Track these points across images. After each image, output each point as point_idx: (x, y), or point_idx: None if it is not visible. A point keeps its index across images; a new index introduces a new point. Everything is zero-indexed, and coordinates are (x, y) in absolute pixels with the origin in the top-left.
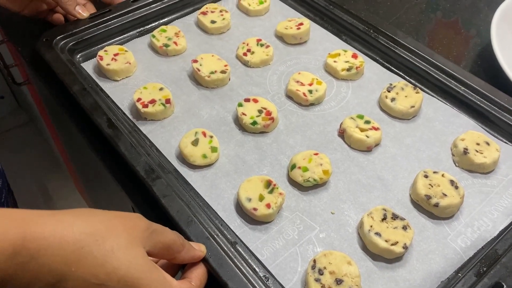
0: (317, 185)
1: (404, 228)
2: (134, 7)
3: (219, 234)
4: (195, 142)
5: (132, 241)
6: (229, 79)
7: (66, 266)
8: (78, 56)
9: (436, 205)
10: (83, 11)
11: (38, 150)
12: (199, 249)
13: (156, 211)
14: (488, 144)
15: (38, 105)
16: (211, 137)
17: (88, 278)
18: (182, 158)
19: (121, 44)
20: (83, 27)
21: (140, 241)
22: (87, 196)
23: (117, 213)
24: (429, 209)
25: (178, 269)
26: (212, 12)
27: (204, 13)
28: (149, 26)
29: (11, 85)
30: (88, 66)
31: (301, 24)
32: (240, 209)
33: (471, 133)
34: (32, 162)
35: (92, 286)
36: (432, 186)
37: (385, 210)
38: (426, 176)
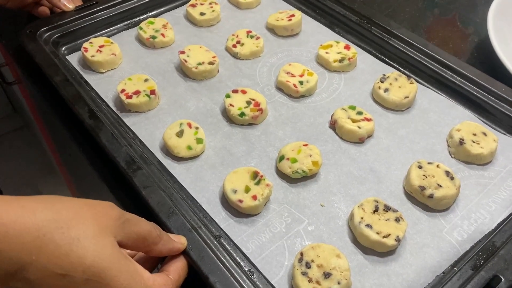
0: (306, 177)
1: (397, 220)
2: None
3: (202, 227)
4: (179, 134)
5: (101, 230)
6: (218, 71)
7: (26, 254)
8: (63, 49)
9: (431, 196)
10: (69, 3)
11: (33, 154)
12: (178, 241)
13: (138, 205)
14: (485, 134)
15: (31, 108)
16: (197, 128)
17: (51, 267)
18: (167, 150)
19: (108, 36)
20: (69, 19)
21: (111, 230)
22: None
23: (87, 201)
24: (424, 201)
25: (157, 263)
26: (201, 4)
27: (193, 6)
28: (137, 19)
29: (6, 88)
30: (73, 59)
31: (293, 15)
32: (226, 202)
33: (467, 124)
34: (27, 166)
35: (55, 276)
36: (426, 177)
37: (377, 202)
38: (420, 167)
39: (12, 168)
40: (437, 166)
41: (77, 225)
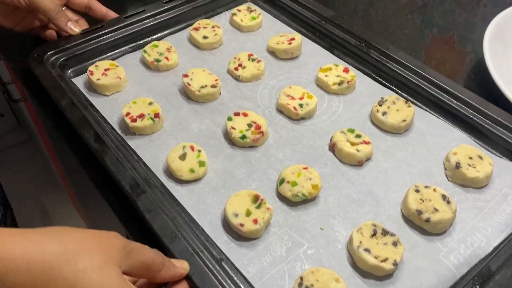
0: (306, 200)
1: (395, 244)
2: (127, 23)
3: (204, 251)
4: (182, 156)
5: (107, 261)
6: (220, 94)
7: None
8: (69, 72)
9: (428, 220)
10: (75, 27)
11: (37, 168)
12: (181, 266)
13: (142, 227)
14: (481, 158)
15: (36, 122)
16: (199, 151)
17: None
18: (170, 172)
19: (113, 59)
20: (75, 43)
21: (116, 261)
22: (83, 214)
23: (92, 232)
24: (421, 224)
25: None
26: (204, 28)
27: (196, 29)
28: (141, 41)
29: (11, 103)
30: (79, 81)
31: (293, 39)
32: (227, 225)
33: (463, 147)
34: (31, 179)
35: None
36: (423, 201)
37: (375, 226)
38: (417, 191)
39: (16, 181)
40: (434, 190)
41: (84, 257)
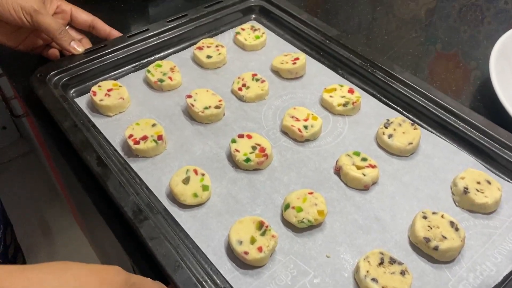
0: (312, 226)
1: (402, 273)
2: (130, 42)
3: (208, 280)
4: (186, 180)
5: None
6: (224, 114)
7: None
8: (71, 92)
9: (436, 248)
10: (78, 46)
11: (38, 181)
12: None
13: (144, 252)
14: (489, 183)
15: (37, 136)
16: (203, 175)
17: None
18: (173, 196)
19: (116, 79)
20: (78, 63)
21: None
22: (85, 228)
23: (93, 267)
24: (429, 252)
25: None
26: (208, 47)
27: (200, 48)
28: (145, 60)
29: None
30: (82, 102)
31: (297, 58)
32: (231, 252)
33: (471, 171)
34: (32, 192)
35: None
36: (431, 228)
37: (382, 254)
38: (425, 217)
39: (17, 193)
40: (442, 216)
41: None
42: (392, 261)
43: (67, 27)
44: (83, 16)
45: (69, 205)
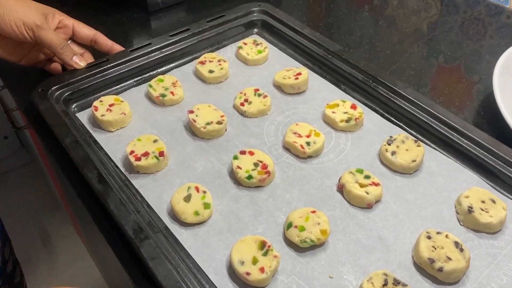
0: (314, 246)
1: None
2: (132, 56)
3: None
4: (187, 198)
5: None
6: (226, 130)
7: None
8: (73, 106)
9: (440, 269)
10: (80, 61)
11: (39, 190)
12: None
13: (144, 271)
14: (493, 202)
15: (38, 147)
16: (204, 192)
17: None
18: (174, 214)
19: (118, 93)
20: (80, 77)
21: None
22: (85, 239)
23: None
24: (433, 273)
25: None
26: (210, 61)
27: (202, 63)
28: (147, 75)
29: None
30: (83, 116)
31: (299, 73)
32: (233, 272)
33: (475, 190)
34: (33, 202)
35: None
36: (435, 249)
37: (386, 275)
38: (429, 237)
39: (18, 203)
40: (446, 236)
41: None
42: (396, 282)
43: (69, 41)
44: (85, 31)
45: (69, 215)
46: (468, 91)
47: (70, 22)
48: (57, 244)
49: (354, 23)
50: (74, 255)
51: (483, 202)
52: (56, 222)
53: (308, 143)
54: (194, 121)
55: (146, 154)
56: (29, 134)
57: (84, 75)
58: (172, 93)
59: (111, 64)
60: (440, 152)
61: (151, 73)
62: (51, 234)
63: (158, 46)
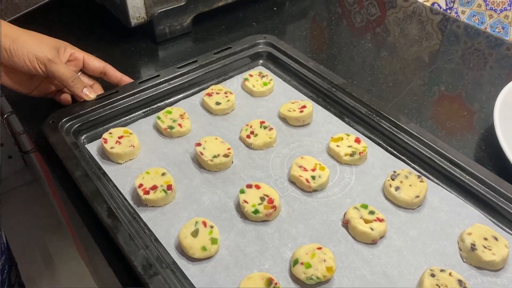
0: (320, 282)
1: None
2: (141, 88)
3: None
4: (195, 233)
5: None
6: (232, 162)
7: None
8: (83, 138)
9: None
10: (90, 93)
11: (42, 210)
12: None
13: None
14: (496, 239)
15: (43, 169)
16: (212, 227)
17: None
18: (181, 249)
19: (126, 124)
20: (89, 109)
21: None
22: (87, 260)
23: None
24: None
25: None
26: (217, 93)
27: (209, 95)
28: (155, 106)
29: (22, 154)
30: (93, 148)
31: (304, 106)
32: None
33: (478, 227)
34: (35, 221)
35: None
36: (439, 287)
37: None
38: (433, 275)
39: (21, 223)
40: (450, 274)
41: None
42: None
43: (79, 73)
44: (95, 63)
45: (72, 236)
46: (470, 124)
47: (80, 55)
48: (59, 264)
49: (357, 55)
50: (76, 276)
51: (485, 239)
52: (59, 242)
53: (313, 177)
54: (202, 153)
55: (154, 188)
56: (34, 156)
57: (93, 107)
58: (180, 125)
59: (120, 96)
60: (443, 187)
61: (159, 104)
62: (53, 254)
63: (167, 78)
